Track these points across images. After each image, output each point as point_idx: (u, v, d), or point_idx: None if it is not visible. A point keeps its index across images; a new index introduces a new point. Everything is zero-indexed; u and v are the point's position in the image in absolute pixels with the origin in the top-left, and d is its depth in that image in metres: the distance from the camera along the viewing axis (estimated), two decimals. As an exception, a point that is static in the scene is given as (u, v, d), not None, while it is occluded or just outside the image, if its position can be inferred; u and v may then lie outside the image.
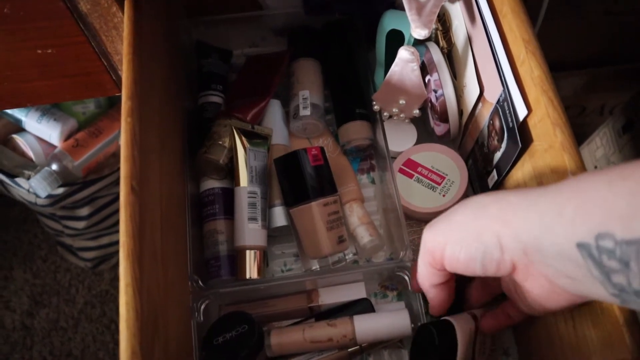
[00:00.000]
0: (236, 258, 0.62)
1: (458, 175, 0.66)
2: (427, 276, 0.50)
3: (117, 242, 1.18)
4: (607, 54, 1.16)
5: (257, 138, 0.65)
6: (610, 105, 1.25)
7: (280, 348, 0.58)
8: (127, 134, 0.46)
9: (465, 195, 0.66)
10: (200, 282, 0.59)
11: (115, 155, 0.99)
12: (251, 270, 0.60)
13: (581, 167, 0.47)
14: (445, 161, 0.67)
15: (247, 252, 0.60)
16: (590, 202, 0.33)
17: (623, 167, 0.33)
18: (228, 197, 0.64)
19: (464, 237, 0.43)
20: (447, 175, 0.67)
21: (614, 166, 0.34)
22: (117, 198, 1.08)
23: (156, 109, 0.55)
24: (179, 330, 0.54)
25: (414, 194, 0.66)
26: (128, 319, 0.41)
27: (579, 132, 1.15)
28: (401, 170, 0.68)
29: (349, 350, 0.60)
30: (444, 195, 0.66)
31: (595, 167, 1.09)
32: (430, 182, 0.66)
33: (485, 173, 0.64)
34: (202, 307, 0.59)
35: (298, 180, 0.61)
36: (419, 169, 0.67)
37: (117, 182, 1.02)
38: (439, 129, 0.69)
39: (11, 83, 0.62)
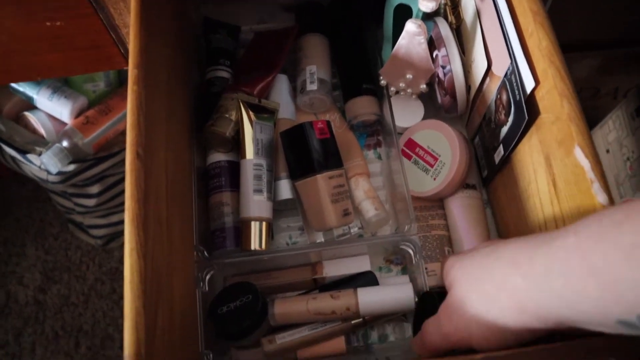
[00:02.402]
0: (241, 230, 0.62)
1: (449, 157, 0.65)
2: (441, 350, 0.47)
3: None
4: (622, 35, 1.15)
5: (263, 112, 0.65)
6: (624, 89, 1.23)
7: (284, 318, 0.59)
8: (133, 102, 0.47)
9: (456, 180, 0.65)
10: (205, 252, 0.60)
11: (125, 134, 1.00)
12: (256, 242, 0.61)
13: (588, 138, 0.46)
14: (441, 140, 0.66)
15: (253, 223, 0.61)
16: (614, 284, 0.31)
17: (624, 223, 0.31)
18: (234, 170, 0.65)
19: (489, 334, 0.40)
20: (439, 156, 0.65)
21: (611, 217, 0.32)
22: (127, 176, 1.09)
23: (163, 80, 0.55)
24: (184, 299, 0.55)
25: (411, 177, 0.66)
26: (132, 281, 0.42)
27: (592, 115, 1.13)
28: (402, 152, 0.67)
29: (352, 322, 0.60)
30: (434, 179, 0.65)
31: (607, 150, 1.08)
32: (425, 164, 0.66)
33: (492, 149, 0.63)
34: (207, 277, 0.60)
35: (304, 153, 0.61)
36: (417, 150, 0.67)
37: (127, 160, 1.03)
38: (447, 105, 0.68)
39: (22, 56, 0.62)
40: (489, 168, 0.66)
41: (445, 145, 0.65)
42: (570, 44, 1.12)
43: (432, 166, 0.65)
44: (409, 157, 0.67)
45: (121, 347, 1.20)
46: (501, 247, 0.41)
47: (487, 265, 0.41)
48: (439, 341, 0.45)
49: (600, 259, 0.31)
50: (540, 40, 0.50)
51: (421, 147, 0.67)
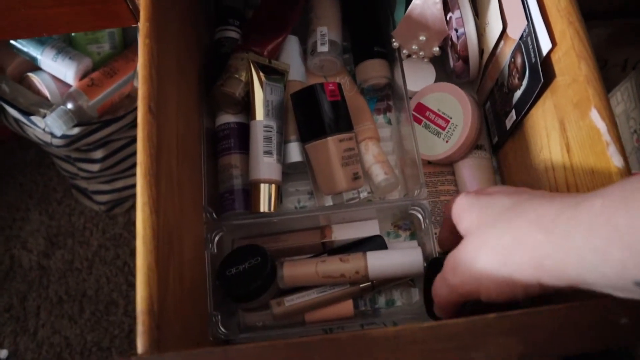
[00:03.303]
0: (250, 192, 0.62)
1: (461, 118, 0.64)
2: (451, 303, 0.46)
3: (131, 186, 1.19)
4: (632, 5, 1.13)
5: (274, 73, 0.64)
6: (633, 61, 1.22)
7: (293, 280, 0.59)
8: (145, 55, 0.46)
9: (468, 141, 0.65)
10: (214, 214, 0.59)
11: (130, 97, 0.99)
12: (265, 204, 0.61)
13: (605, 101, 0.46)
14: (452, 102, 0.66)
15: (262, 185, 0.60)
16: (636, 245, 0.31)
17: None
18: (243, 132, 0.64)
19: (498, 287, 0.40)
20: (451, 118, 0.65)
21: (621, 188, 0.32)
22: (132, 142, 1.08)
23: (173, 35, 0.54)
24: (193, 259, 0.55)
25: (423, 141, 0.65)
26: (145, 236, 0.41)
27: (600, 86, 1.12)
28: (412, 117, 0.67)
29: (361, 286, 0.60)
30: (447, 142, 0.65)
31: (613, 114, 1.07)
32: (436, 128, 0.65)
33: (503, 114, 0.63)
34: (216, 238, 0.60)
35: (314, 115, 0.61)
36: (427, 114, 0.66)
37: (131, 125, 1.02)
38: (459, 69, 0.67)
39: (26, 9, 0.61)
40: (500, 134, 0.65)
41: (456, 106, 0.65)
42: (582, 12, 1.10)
43: (443, 129, 0.65)
44: (419, 122, 0.67)
45: (125, 313, 1.21)
46: (524, 202, 0.40)
47: (507, 218, 0.40)
48: (447, 294, 0.45)
49: (624, 220, 0.31)
50: (560, 0, 0.49)
51: (431, 111, 0.66)
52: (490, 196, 0.44)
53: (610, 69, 1.22)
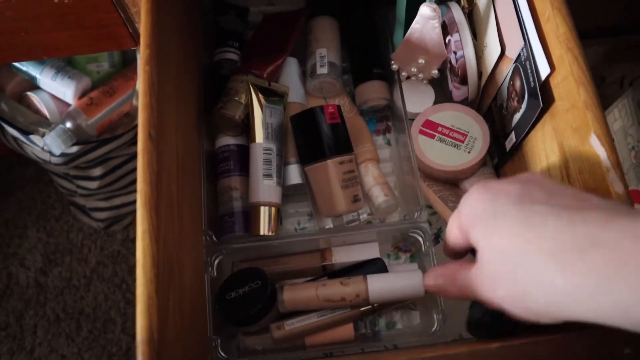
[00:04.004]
0: (250, 214, 0.62)
1: (479, 132, 0.65)
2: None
3: (129, 203, 1.18)
4: (629, 23, 1.14)
5: (273, 95, 0.64)
6: (630, 77, 1.22)
7: (293, 304, 0.59)
8: (145, 82, 0.46)
9: (485, 153, 0.65)
10: (214, 237, 0.59)
11: (129, 115, 0.99)
12: (265, 227, 0.60)
13: (604, 126, 0.46)
14: (464, 119, 0.66)
15: (262, 208, 0.60)
16: None
17: None
18: (243, 154, 0.64)
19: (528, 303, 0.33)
20: (468, 132, 0.66)
21: None
22: (130, 159, 1.08)
23: (173, 60, 0.55)
24: (193, 283, 0.54)
25: (439, 154, 0.65)
26: (145, 265, 0.41)
27: (598, 103, 1.12)
28: (421, 132, 0.67)
29: (361, 309, 0.60)
30: (469, 152, 0.65)
31: (612, 140, 1.08)
32: (453, 141, 0.66)
33: (503, 136, 0.63)
34: (216, 262, 0.60)
35: (314, 138, 0.61)
36: (440, 129, 0.66)
37: (130, 143, 1.02)
38: (457, 91, 0.68)
39: (28, 34, 0.61)
40: (500, 155, 0.65)
41: (471, 122, 0.66)
42: (578, 31, 1.11)
43: (462, 142, 0.65)
44: (431, 136, 0.66)
45: (123, 331, 1.21)
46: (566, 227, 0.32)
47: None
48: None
49: None
50: (558, 27, 0.50)
51: (444, 127, 0.66)
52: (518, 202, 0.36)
53: (607, 86, 1.23)
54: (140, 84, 0.46)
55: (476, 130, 0.66)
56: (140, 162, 0.44)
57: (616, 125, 1.10)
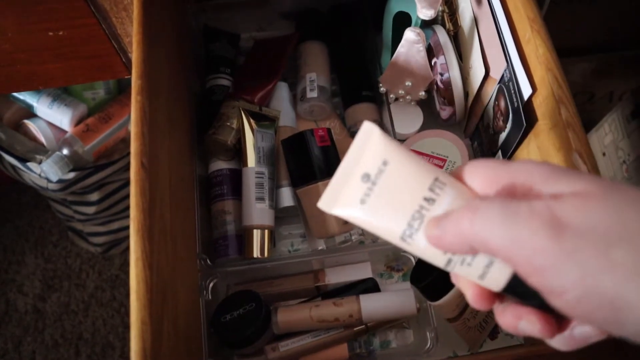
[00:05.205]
0: (244, 237, 0.63)
1: (458, 155, 0.67)
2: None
3: (127, 228, 1.19)
4: (616, 39, 1.15)
5: (264, 120, 0.66)
6: (619, 92, 1.24)
7: (287, 326, 0.59)
8: (137, 112, 0.47)
9: None
10: (208, 260, 0.60)
11: (125, 141, 1.01)
12: (258, 249, 0.61)
13: (585, 144, 0.47)
14: (443, 143, 0.68)
15: (255, 231, 0.61)
16: None
17: None
18: (236, 178, 0.65)
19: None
20: (447, 157, 0.67)
21: None
22: (126, 184, 1.09)
23: (165, 89, 0.56)
24: (188, 307, 0.55)
25: None
26: (138, 291, 0.42)
27: (588, 119, 1.14)
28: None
29: (355, 329, 0.61)
30: None
31: (604, 153, 1.09)
32: None
33: (490, 154, 0.64)
34: (210, 285, 0.60)
35: (305, 161, 0.62)
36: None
37: (126, 168, 1.03)
38: (445, 112, 0.69)
39: (24, 65, 0.63)
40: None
41: (448, 145, 0.67)
42: (566, 48, 1.13)
43: (441, 167, 0.66)
44: None
45: (121, 355, 1.20)
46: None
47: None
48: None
49: None
50: (538, 48, 0.51)
51: (424, 154, 0.67)
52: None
53: (597, 101, 1.25)
54: (133, 113, 0.47)
55: (455, 154, 0.67)
56: (133, 191, 0.45)
57: (607, 139, 1.11)
